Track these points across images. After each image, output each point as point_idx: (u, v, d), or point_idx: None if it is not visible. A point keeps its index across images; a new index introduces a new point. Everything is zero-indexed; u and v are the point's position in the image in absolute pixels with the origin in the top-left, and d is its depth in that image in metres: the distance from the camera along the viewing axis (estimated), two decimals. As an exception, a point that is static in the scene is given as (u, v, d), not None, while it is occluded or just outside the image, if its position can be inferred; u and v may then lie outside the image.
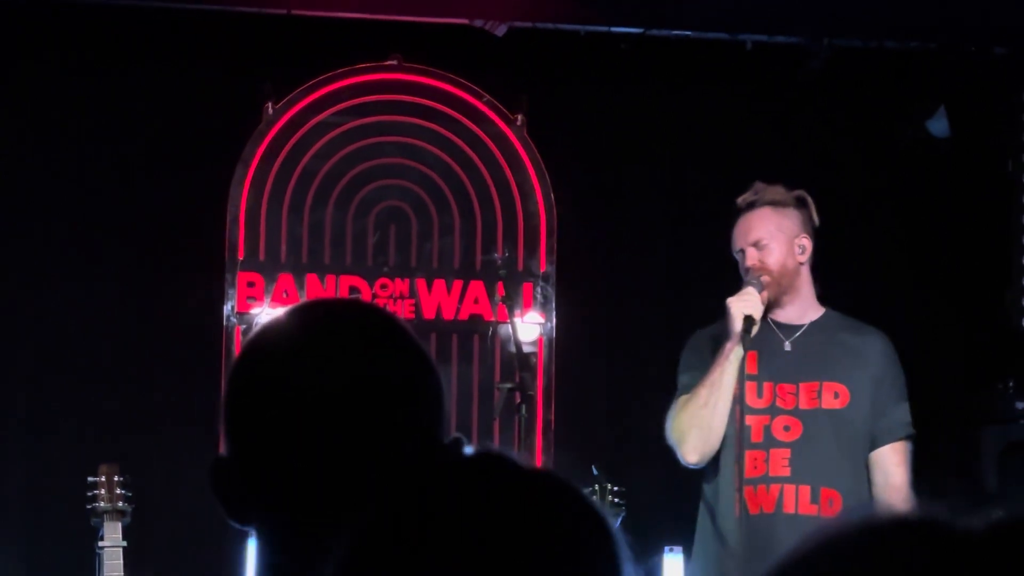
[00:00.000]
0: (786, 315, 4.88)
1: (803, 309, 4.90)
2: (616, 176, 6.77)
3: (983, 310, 6.76)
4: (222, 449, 1.70)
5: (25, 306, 6.35)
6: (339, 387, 1.65)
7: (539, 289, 6.63)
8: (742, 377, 4.72)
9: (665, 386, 6.75)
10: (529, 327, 6.55)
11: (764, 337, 4.82)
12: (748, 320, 4.69)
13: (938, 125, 6.68)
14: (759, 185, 4.95)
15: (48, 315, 6.36)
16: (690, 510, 5.27)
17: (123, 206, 6.44)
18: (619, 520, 4.41)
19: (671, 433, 4.84)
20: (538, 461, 6.26)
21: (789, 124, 6.74)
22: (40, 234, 6.39)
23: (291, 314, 1.75)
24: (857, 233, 6.80)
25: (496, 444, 5.39)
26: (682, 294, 6.67)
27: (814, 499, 4.72)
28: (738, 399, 4.72)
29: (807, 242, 4.89)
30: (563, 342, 6.63)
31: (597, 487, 5.19)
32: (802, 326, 4.88)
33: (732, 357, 4.72)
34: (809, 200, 4.94)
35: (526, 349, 5.56)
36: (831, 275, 6.56)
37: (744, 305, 4.71)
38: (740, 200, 4.93)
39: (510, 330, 5.65)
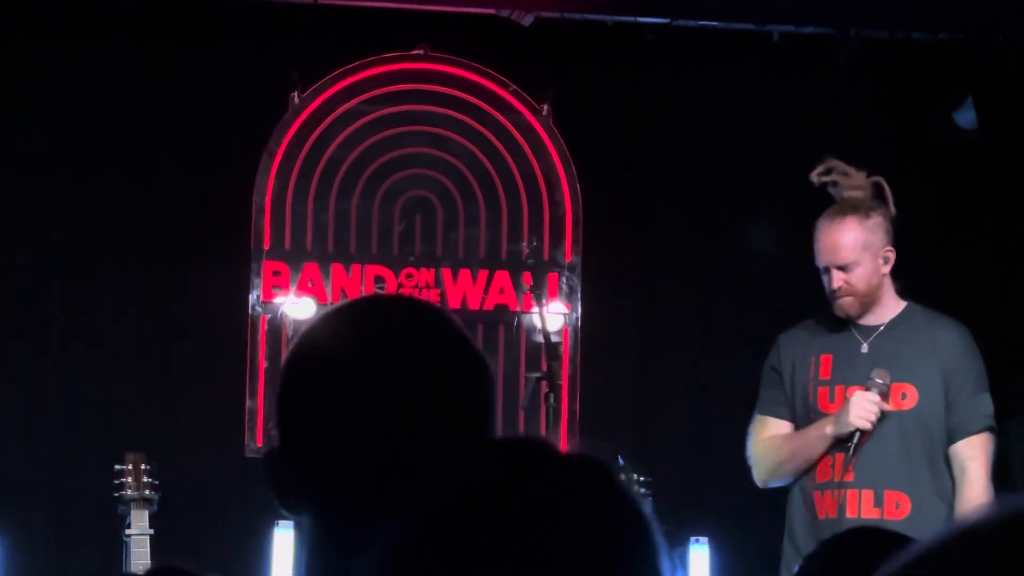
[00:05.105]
0: (866, 318, 4.86)
1: (883, 310, 4.87)
2: (642, 166, 6.76)
3: (1011, 304, 6.73)
4: (276, 442, 1.75)
5: (51, 296, 6.37)
6: (388, 385, 1.69)
7: (565, 279, 6.62)
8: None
9: (690, 375, 6.76)
10: (554, 317, 6.54)
11: (843, 340, 4.82)
12: (858, 431, 4.67)
13: (965, 116, 6.66)
14: (833, 162, 4.88)
15: (74, 305, 6.37)
16: (715, 501, 5.26)
17: (149, 195, 6.45)
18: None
19: (750, 451, 4.89)
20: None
21: (816, 115, 6.71)
22: (66, 224, 6.40)
23: (342, 310, 1.81)
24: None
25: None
26: (708, 284, 6.67)
27: (877, 503, 4.69)
28: (811, 407, 4.74)
29: (891, 253, 4.84)
30: (588, 332, 6.62)
31: (624, 477, 5.20)
32: (880, 326, 4.84)
33: (826, 436, 4.71)
34: (885, 187, 4.89)
35: (553, 339, 5.56)
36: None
37: (863, 416, 4.66)
38: (815, 177, 4.87)
39: (536, 320, 5.64)
